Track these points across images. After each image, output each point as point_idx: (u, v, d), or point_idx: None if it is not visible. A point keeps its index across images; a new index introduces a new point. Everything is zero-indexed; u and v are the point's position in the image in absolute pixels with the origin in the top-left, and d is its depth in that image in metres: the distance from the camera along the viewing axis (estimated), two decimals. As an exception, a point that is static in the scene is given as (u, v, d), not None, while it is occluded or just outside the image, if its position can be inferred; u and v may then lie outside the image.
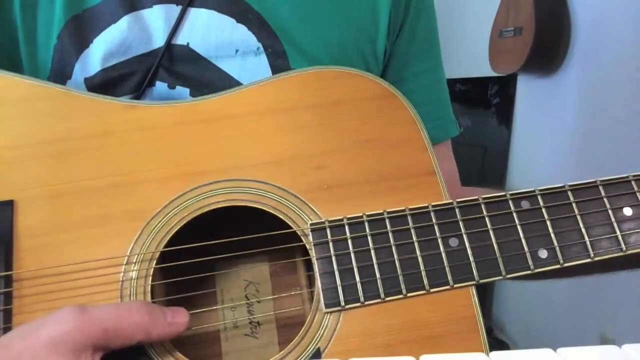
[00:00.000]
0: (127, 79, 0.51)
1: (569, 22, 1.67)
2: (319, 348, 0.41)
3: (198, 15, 0.52)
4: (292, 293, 0.49)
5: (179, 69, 0.52)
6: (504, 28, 1.82)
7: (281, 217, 0.44)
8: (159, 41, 0.51)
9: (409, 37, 0.59)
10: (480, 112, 2.28)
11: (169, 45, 0.51)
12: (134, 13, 0.51)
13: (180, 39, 0.52)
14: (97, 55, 0.51)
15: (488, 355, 0.29)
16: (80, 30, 0.51)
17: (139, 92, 0.51)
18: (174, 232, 0.43)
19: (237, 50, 0.52)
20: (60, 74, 0.51)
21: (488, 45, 1.92)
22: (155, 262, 0.43)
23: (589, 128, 1.59)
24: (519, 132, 2.03)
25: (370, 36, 0.56)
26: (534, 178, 1.86)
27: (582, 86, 1.63)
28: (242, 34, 0.52)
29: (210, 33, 0.52)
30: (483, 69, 1.95)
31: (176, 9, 0.51)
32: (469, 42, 2.14)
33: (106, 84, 0.51)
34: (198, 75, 0.52)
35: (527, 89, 1.97)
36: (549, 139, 1.81)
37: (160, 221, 0.44)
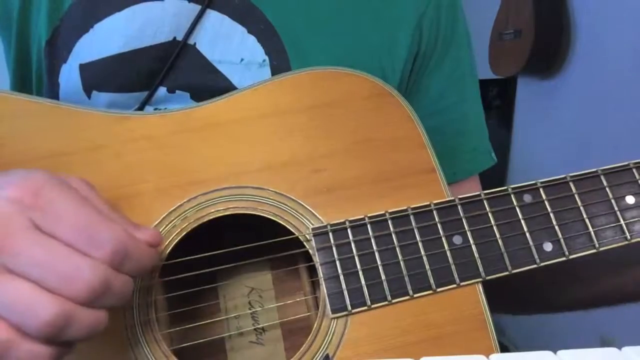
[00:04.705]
0: (130, 74, 0.50)
1: (569, 24, 1.65)
2: (327, 354, 0.40)
3: (210, 18, 0.51)
4: (297, 299, 0.48)
5: (181, 69, 0.51)
6: (503, 30, 1.80)
7: (282, 223, 0.44)
8: (163, 36, 0.50)
9: (437, 71, 0.58)
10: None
11: (174, 42, 0.50)
12: (142, 4, 0.50)
13: (189, 38, 0.51)
14: (95, 43, 0.50)
15: (489, 357, 0.28)
16: (85, 12, 0.50)
17: (150, 93, 0.50)
18: (173, 244, 0.43)
19: (242, 59, 0.51)
20: (58, 57, 0.50)
21: (488, 47, 1.90)
22: (157, 275, 0.42)
23: (590, 130, 1.58)
24: (519, 135, 2.02)
25: (382, 64, 0.54)
26: (534, 181, 1.86)
27: (582, 88, 1.62)
28: (250, 45, 0.51)
29: (218, 38, 0.51)
30: (483, 71, 1.92)
31: (188, 6, 0.51)
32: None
33: (105, 74, 0.50)
34: (199, 78, 0.51)
35: (527, 91, 1.96)
36: (550, 142, 1.80)
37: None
